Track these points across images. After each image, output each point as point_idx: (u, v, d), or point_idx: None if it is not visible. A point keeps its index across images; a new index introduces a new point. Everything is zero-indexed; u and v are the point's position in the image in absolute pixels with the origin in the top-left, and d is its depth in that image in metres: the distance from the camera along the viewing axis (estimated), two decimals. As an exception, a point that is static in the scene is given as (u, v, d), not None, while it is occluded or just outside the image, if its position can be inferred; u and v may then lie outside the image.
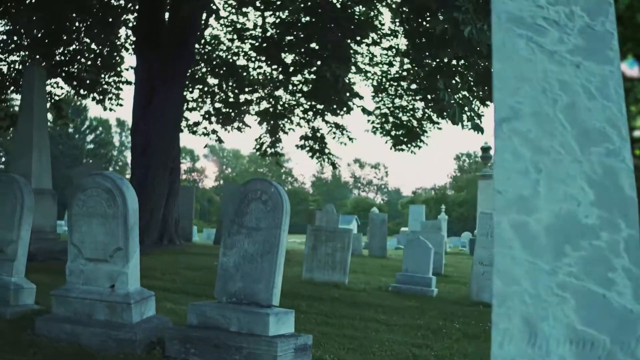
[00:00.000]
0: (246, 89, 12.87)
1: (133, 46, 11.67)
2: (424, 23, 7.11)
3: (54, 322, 4.07)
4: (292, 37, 10.30)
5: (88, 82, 11.89)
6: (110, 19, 11.26)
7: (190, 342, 3.73)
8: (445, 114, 10.72)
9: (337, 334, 4.73)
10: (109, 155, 44.51)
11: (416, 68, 9.45)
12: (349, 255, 7.43)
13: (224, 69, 12.71)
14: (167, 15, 10.85)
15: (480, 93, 8.58)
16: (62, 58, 11.76)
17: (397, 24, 11.25)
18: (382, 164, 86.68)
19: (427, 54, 8.15)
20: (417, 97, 11.36)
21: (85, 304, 4.04)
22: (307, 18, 9.91)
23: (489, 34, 6.24)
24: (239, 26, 12.65)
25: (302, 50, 10.34)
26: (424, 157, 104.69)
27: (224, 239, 4.05)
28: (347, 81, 10.97)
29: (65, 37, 11.43)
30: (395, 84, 12.93)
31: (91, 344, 3.91)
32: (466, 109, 6.94)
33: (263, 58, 12.30)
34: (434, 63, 8.54)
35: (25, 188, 4.73)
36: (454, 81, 7.10)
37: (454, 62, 7.77)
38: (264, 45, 11.36)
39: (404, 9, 9.47)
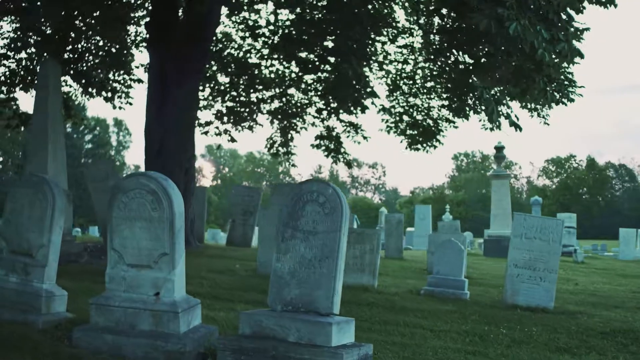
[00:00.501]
0: (258, 87, 12.60)
1: (145, 43, 11.39)
2: (457, 19, 6.90)
3: (93, 332, 3.81)
4: (309, 34, 10.04)
5: (96, 80, 11.58)
6: (121, 16, 10.95)
7: (244, 353, 3.49)
8: (480, 111, 10.51)
9: (387, 341, 4.50)
10: (107, 155, 44.10)
11: (445, 67, 9.18)
12: (378, 258, 7.21)
13: (235, 67, 12.44)
14: (178, 11, 10.59)
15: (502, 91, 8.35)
16: (71, 55, 11.46)
17: (422, 21, 11.02)
18: (380, 163, 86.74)
19: (460, 51, 7.94)
20: (446, 95, 11.13)
21: (128, 313, 3.79)
22: (325, 14, 9.66)
23: (533, 30, 6.08)
24: (250, 23, 12.39)
25: (320, 47, 10.09)
26: (422, 156, 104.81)
27: (277, 243, 3.81)
28: (367, 79, 10.75)
29: (74, 35, 11.13)
30: (410, 82, 12.72)
31: (135, 356, 3.66)
32: (502, 106, 6.74)
33: (276, 56, 12.05)
34: (468, 60, 8.33)
35: (56, 189, 4.46)
36: (489, 78, 6.90)
37: (484, 60, 7.56)
38: (280, 42, 11.10)
39: (430, 6, 9.27)
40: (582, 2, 6.49)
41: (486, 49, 7.23)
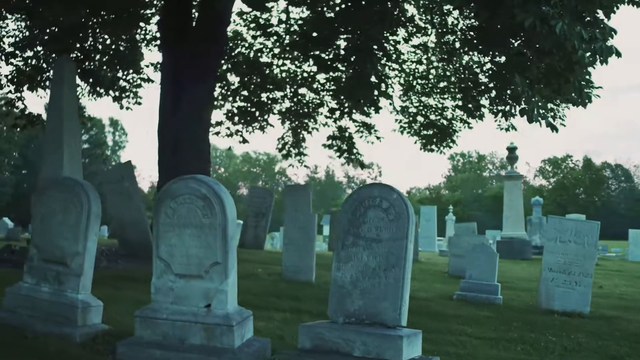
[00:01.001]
0: (270, 87, 12.35)
1: (157, 41, 11.13)
2: (488, 17, 6.71)
3: (139, 347, 3.56)
4: (326, 32, 9.80)
5: (105, 78, 11.29)
6: (131, 13, 10.68)
7: (306, 369, 3.27)
8: (497, 112, 10.32)
9: (440, 351, 4.29)
10: (103, 155, 43.60)
11: (462, 67, 8.99)
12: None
13: (246, 66, 12.19)
14: (192, 9, 10.33)
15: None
16: (79, 54, 11.17)
17: (436, 20, 10.82)
18: (376, 163, 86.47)
19: (490, 50, 7.74)
20: (461, 95, 10.95)
21: (177, 327, 3.55)
22: (343, 10, 9.42)
23: (577, 29, 5.92)
24: (261, 22, 12.14)
25: (337, 45, 9.86)
26: (419, 157, 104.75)
27: (337, 251, 3.59)
28: (388, 78, 10.55)
29: (82, 33, 10.84)
30: (424, 82, 12.55)
31: (186, 372, 3.43)
32: (540, 105, 6.57)
33: (288, 55, 11.81)
34: (502, 59, 8.13)
35: (91, 193, 4.21)
36: (526, 79, 6.71)
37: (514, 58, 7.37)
38: (295, 40, 10.86)
39: (447, 4, 9.06)
40: (619, 2, 6.34)
41: (515, 48, 7.05)
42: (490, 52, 9.21)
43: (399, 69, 11.81)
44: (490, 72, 8.73)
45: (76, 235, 4.17)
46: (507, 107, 10.38)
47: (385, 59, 10.35)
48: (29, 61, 11.05)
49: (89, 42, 11.27)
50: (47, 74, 11.08)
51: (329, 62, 10.61)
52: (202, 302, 3.56)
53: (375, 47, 9.41)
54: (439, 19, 11.55)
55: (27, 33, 11.17)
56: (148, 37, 11.80)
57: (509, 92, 7.85)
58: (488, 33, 8.04)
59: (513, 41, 7.10)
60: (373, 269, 3.46)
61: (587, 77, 6.82)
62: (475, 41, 10.11)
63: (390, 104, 11.87)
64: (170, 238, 3.60)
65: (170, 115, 9.44)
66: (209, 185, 3.54)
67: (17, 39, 11.21)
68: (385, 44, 9.76)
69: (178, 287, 3.61)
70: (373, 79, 10.51)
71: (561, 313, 6.42)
